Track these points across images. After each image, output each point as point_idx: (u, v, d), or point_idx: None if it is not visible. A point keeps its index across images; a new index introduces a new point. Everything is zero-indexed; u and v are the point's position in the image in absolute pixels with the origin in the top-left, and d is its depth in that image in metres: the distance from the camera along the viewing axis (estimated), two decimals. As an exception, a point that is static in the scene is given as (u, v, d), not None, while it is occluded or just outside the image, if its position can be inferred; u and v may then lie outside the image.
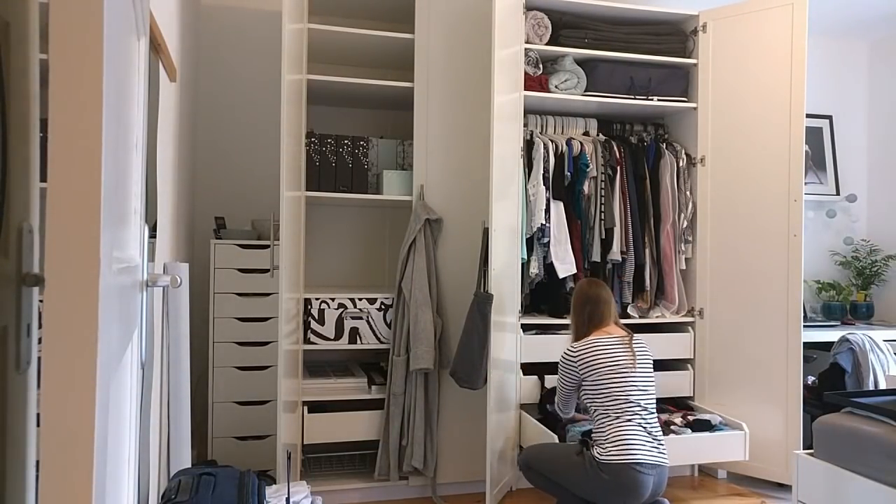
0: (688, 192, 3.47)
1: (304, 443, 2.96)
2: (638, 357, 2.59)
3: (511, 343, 3.07)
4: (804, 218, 3.21)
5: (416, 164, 3.13)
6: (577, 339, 2.69)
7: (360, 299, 3.07)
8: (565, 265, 3.20)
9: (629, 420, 2.50)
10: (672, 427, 3.03)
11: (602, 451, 2.48)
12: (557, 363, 2.70)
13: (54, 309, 0.69)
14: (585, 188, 3.29)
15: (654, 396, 2.61)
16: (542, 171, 3.18)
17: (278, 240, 2.60)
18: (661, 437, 2.56)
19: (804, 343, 3.19)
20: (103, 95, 0.71)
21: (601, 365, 2.56)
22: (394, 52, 3.26)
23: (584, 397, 2.63)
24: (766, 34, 3.27)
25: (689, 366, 3.41)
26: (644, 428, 2.51)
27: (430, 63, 3.14)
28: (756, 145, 3.30)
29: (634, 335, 2.68)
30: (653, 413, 2.57)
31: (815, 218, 4.37)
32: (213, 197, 3.45)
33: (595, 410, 2.57)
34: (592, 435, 2.59)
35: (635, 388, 2.54)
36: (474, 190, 3.13)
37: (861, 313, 4.15)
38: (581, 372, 2.58)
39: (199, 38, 3.42)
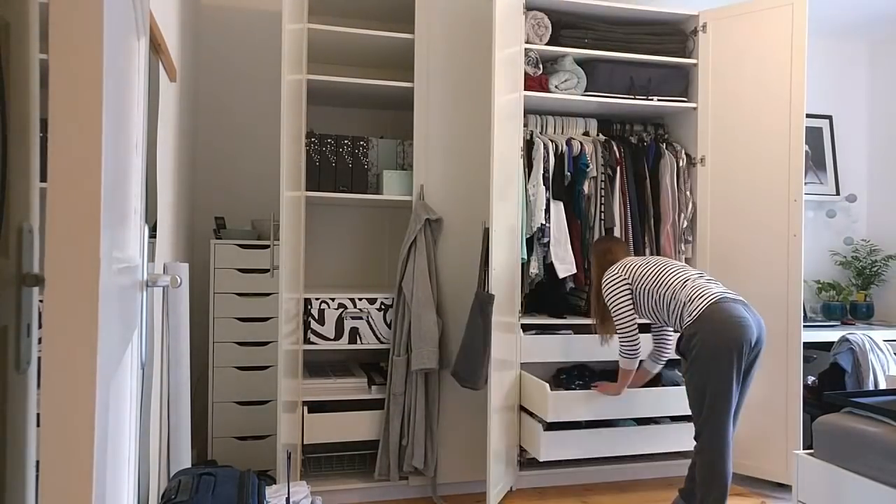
0: (688, 192, 3.47)
1: (304, 443, 2.96)
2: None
3: (511, 343, 3.07)
4: (804, 218, 3.21)
5: (416, 164, 3.13)
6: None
7: (360, 299, 3.07)
8: (565, 265, 3.20)
9: (704, 288, 2.57)
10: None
11: (688, 313, 2.53)
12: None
13: (54, 309, 0.69)
14: (585, 188, 3.29)
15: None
16: (542, 171, 3.18)
17: (278, 240, 2.60)
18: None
19: (804, 343, 3.19)
20: (103, 95, 0.71)
21: (647, 270, 2.71)
22: (394, 52, 3.26)
23: (648, 309, 2.71)
24: (765, 34, 3.27)
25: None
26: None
27: (430, 63, 3.13)
28: (756, 145, 3.29)
29: None
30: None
31: (815, 218, 4.37)
32: (213, 197, 3.45)
33: (664, 308, 2.65)
34: (675, 330, 2.67)
35: (690, 269, 2.70)
36: (474, 190, 3.13)
37: (861, 313, 4.15)
38: (633, 282, 2.71)
39: (199, 38, 3.42)
